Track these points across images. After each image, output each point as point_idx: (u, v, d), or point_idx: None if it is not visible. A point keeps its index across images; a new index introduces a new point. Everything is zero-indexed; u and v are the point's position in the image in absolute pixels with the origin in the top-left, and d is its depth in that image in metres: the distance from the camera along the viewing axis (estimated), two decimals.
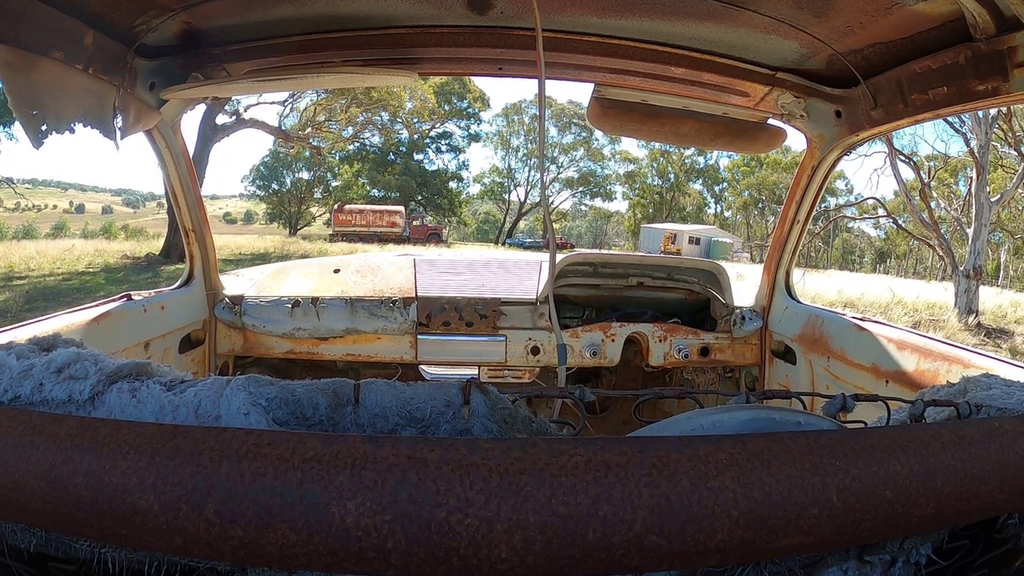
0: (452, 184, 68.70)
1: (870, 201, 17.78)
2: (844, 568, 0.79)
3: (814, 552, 0.77)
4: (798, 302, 2.94)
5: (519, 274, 3.25)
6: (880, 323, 2.48)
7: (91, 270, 18.26)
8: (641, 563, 0.63)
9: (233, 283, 3.04)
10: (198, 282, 2.80)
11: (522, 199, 72.86)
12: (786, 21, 1.99)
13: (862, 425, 0.92)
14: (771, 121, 2.61)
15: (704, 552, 0.64)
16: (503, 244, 65.04)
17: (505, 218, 76.97)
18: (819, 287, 19.39)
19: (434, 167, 68.59)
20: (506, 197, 77.26)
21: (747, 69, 2.35)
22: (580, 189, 73.38)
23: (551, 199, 71.73)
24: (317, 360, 3.02)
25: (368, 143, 57.61)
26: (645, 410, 3.43)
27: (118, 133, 2.05)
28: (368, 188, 63.84)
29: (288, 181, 62.54)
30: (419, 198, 64.95)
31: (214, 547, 0.63)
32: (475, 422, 0.89)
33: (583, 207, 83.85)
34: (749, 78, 2.38)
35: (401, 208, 53.11)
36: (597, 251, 3.51)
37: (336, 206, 53.02)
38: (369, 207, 52.28)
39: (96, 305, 2.26)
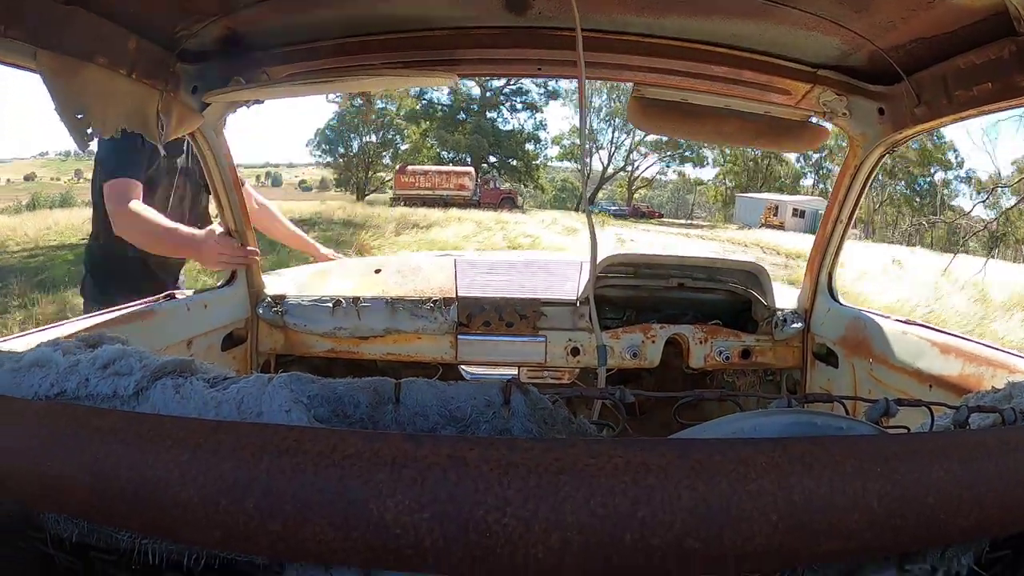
0: (528, 146, 62.39)
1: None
2: None
3: (854, 558, 0.76)
4: (840, 304, 2.89)
5: (559, 274, 3.23)
6: (923, 326, 2.43)
7: (69, 243, 16.78)
8: (679, 566, 0.63)
9: (275, 282, 3.08)
10: (240, 281, 2.84)
11: (605, 163, 64.95)
12: (827, 17, 1.96)
13: (905, 431, 0.90)
14: (813, 119, 2.57)
15: (743, 556, 0.63)
16: (583, 211, 58.07)
17: (585, 184, 68.83)
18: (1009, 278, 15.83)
19: (508, 127, 61.80)
20: (587, 161, 69.56)
21: (788, 67, 2.32)
22: (668, 153, 64.44)
23: (636, 164, 66.17)
24: (358, 359, 3.05)
25: (436, 99, 55.12)
26: (685, 413, 3.38)
27: (161, 135, 2.09)
28: (437, 149, 58.56)
29: (355, 145, 58.65)
30: (491, 160, 59.42)
31: (253, 541, 0.64)
32: (515, 422, 0.89)
33: (667, 175, 74.76)
34: (790, 76, 2.34)
35: (470, 170, 48.55)
36: (638, 252, 3.49)
37: (398, 167, 48.77)
38: (434, 168, 47.93)
39: (140, 304, 2.31)
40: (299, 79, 2.35)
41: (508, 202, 46.71)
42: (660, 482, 0.63)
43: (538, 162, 65.03)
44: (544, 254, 3.92)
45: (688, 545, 0.61)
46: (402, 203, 39.59)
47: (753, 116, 2.54)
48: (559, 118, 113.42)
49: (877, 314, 2.68)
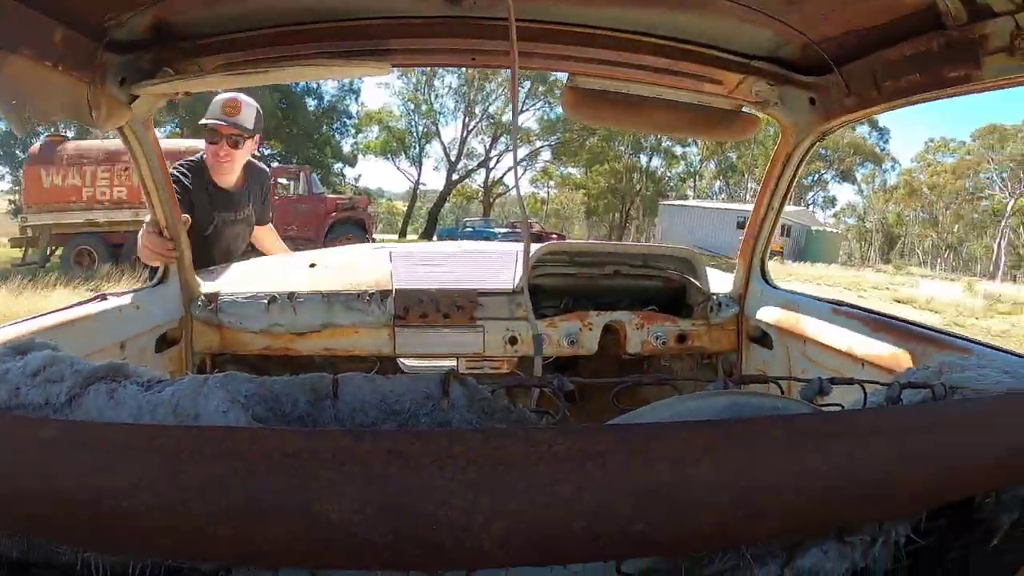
0: (328, 127, 39.15)
1: None
2: (824, 549, 0.80)
3: (795, 534, 0.78)
4: (773, 287, 2.96)
5: (496, 264, 3.24)
6: (856, 307, 2.51)
7: None
8: (624, 550, 0.64)
9: (208, 280, 3.01)
10: (173, 280, 2.76)
11: (454, 157, 41.62)
12: (760, 9, 2.00)
13: (839, 408, 0.93)
14: (745, 108, 2.62)
15: (687, 537, 0.64)
16: (424, 237, 38.04)
17: (415, 194, 47.00)
18: None
19: (295, 88, 34.21)
20: (415, 153, 44.44)
21: (721, 57, 2.36)
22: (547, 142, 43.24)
23: (495, 161, 45.67)
24: (295, 356, 3.00)
25: None
26: (623, 398, 3.39)
27: (95, 127, 2.03)
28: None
29: None
30: (280, 144, 33.81)
31: (198, 548, 0.63)
32: (454, 414, 0.89)
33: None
34: (723, 66, 2.39)
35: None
36: (573, 240, 3.57)
37: (37, 147, 16.98)
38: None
39: (70, 307, 2.23)
40: (231, 70, 2.29)
41: (352, 229, 21.34)
42: (601, 468, 0.63)
43: (348, 148, 42.20)
44: (480, 244, 3.93)
45: (632, 529, 0.62)
46: (38, 243, 16.85)
47: (686, 106, 2.58)
48: (371, 83, 66.33)
49: (810, 296, 2.76)
